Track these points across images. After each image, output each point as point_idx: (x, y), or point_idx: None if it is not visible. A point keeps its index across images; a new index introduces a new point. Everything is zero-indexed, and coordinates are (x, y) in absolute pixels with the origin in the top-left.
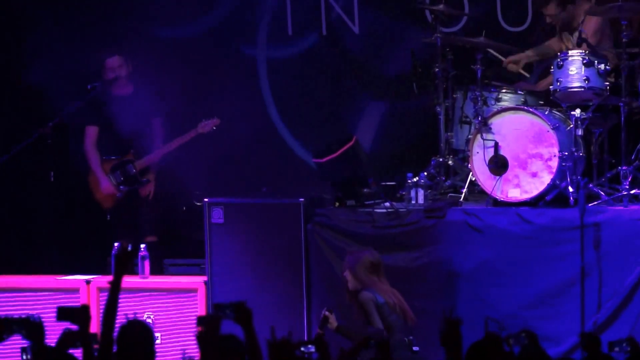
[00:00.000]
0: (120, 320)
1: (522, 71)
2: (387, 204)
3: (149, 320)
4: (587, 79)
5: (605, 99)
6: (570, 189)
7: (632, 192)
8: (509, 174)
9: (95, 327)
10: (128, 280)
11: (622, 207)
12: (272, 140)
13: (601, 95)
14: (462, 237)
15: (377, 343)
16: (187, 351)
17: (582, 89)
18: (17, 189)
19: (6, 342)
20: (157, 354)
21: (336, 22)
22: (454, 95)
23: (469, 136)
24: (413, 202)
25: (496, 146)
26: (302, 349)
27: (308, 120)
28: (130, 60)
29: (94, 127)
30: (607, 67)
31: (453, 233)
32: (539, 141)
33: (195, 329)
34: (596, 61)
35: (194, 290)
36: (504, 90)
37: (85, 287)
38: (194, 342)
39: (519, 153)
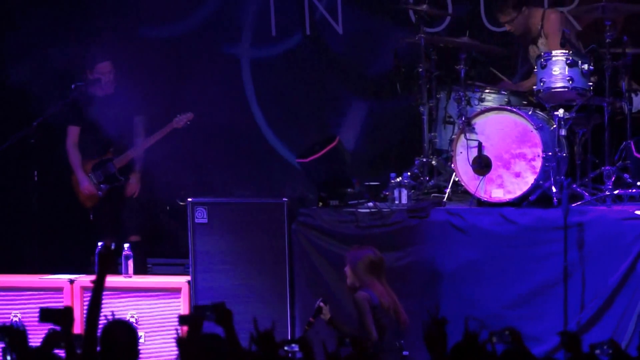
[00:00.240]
0: (103, 320)
1: (497, 72)
2: (371, 204)
3: (133, 320)
4: (571, 79)
5: (588, 99)
6: (554, 189)
7: (616, 192)
8: (492, 174)
9: (79, 326)
10: (112, 280)
11: (605, 208)
12: (256, 140)
13: (585, 95)
14: (446, 237)
15: (352, 341)
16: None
17: (566, 89)
18: (1, 189)
19: None
20: (141, 354)
21: (320, 22)
22: (438, 96)
23: (453, 136)
24: (396, 202)
25: (480, 146)
26: (286, 348)
27: (291, 120)
28: (114, 60)
29: (75, 127)
30: (590, 67)
31: (436, 233)
32: (522, 141)
33: (178, 329)
34: (580, 61)
35: (178, 290)
36: (487, 91)
37: (69, 286)
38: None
39: (502, 153)
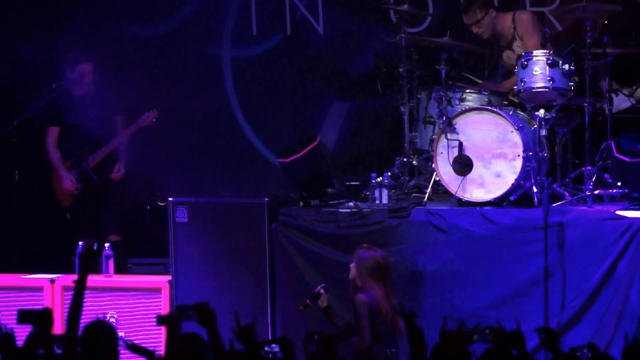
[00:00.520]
0: (84, 320)
1: (472, 77)
2: (351, 203)
3: (113, 320)
4: (552, 79)
5: (569, 99)
6: (535, 189)
7: (596, 192)
8: (473, 174)
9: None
10: (92, 280)
11: (586, 208)
12: (237, 139)
13: (565, 95)
14: (426, 237)
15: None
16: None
17: (547, 90)
18: None
19: None
20: (121, 354)
21: (301, 22)
22: (418, 95)
23: (433, 136)
24: (377, 202)
25: (460, 146)
26: (267, 348)
27: (273, 120)
28: (96, 59)
29: (55, 127)
30: (571, 67)
31: (417, 233)
32: (503, 141)
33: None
34: (560, 61)
35: (158, 290)
36: (468, 91)
37: (50, 286)
38: (158, 340)
39: (483, 153)
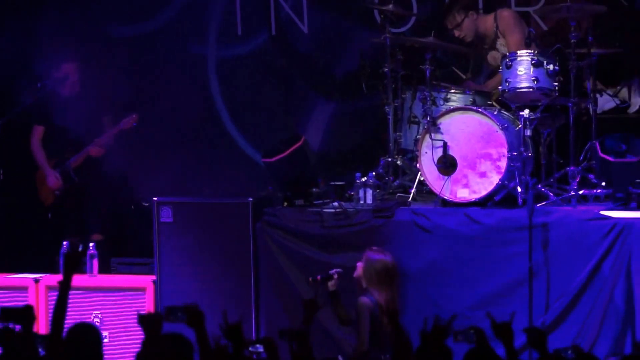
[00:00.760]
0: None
1: (458, 71)
2: (336, 203)
3: (97, 320)
4: (536, 79)
5: (554, 99)
6: (519, 189)
7: (580, 192)
8: (457, 174)
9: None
10: (76, 279)
11: (570, 208)
12: (221, 139)
13: (550, 95)
14: (411, 237)
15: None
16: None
17: (531, 90)
18: None
19: None
20: (105, 353)
21: (285, 22)
22: (403, 95)
23: (418, 136)
24: (362, 202)
25: (445, 146)
26: (251, 348)
27: (257, 120)
28: (81, 57)
29: (40, 127)
30: (555, 67)
31: (401, 233)
32: (487, 141)
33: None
34: (545, 61)
35: (143, 289)
36: (452, 91)
37: (34, 285)
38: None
39: (467, 153)
